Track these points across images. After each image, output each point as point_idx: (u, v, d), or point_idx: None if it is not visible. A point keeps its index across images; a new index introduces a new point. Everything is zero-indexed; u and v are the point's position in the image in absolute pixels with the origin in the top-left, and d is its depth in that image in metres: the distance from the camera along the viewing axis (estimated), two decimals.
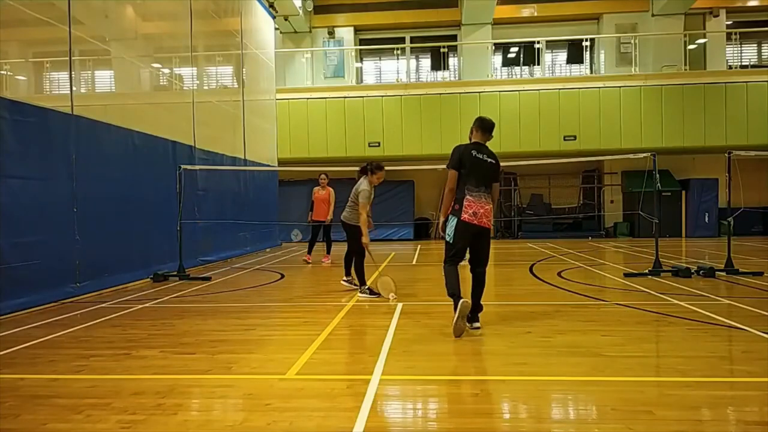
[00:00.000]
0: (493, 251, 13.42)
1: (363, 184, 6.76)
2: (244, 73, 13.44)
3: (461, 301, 4.59)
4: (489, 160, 4.83)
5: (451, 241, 4.80)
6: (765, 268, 8.50)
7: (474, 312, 4.86)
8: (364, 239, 6.64)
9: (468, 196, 4.70)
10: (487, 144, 4.96)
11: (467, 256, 5.02)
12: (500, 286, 8.16)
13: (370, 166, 6.91)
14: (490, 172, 4.83)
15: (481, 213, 4.70)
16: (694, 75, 16.43)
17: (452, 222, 4.76)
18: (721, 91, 15.86)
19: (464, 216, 4.68)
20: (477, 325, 4.85)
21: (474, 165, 4.74)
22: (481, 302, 4.95)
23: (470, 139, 4.99)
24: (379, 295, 6.66)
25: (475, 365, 3.94)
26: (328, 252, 10.95)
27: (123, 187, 8.05)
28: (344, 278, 7.44)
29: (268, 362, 4.07)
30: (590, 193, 18.47)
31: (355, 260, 6.92)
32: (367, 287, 6.81)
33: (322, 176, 10.82)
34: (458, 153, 4.82)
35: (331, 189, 10.79)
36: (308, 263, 10.82)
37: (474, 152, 4.79)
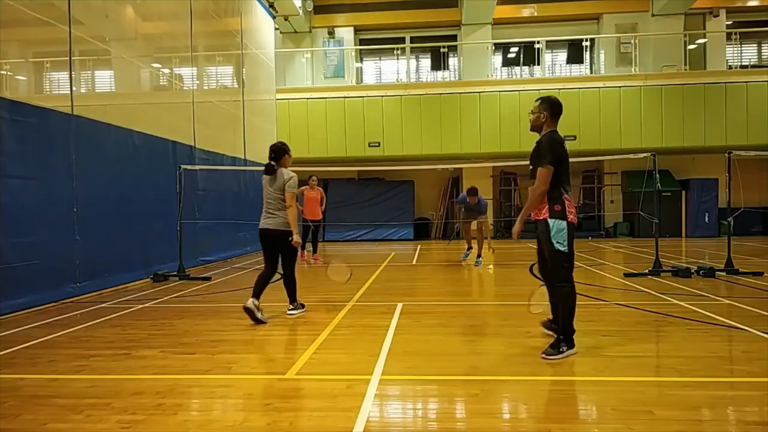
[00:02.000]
0: (494, 251, 13.42)
1: (286, 172, 5.56)
2: (244, 73, 13.44)
3: (574, 350, 4.05)
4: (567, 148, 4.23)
5: (568, 251, 4.01)
6: (765, 268, 8.50)
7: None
8: (296, 238, 5.49)
9: (566, 195, 4.08)
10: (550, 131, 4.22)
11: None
12: (500, 286, 8.16)
13: (285, 146, 5.70)
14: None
15: (574, 211, 4.13)
16: (694, 75, 16.42)
17: (561, 226, 4.01)
18: (721, 91, 15.85)
19: (571, 217, 4.04)
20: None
21: (567, 159, 4.14)
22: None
23: (541, 129, 4.24)
24: (304, 306, 5.90)
25: (475, 365, 3.94)
26: (315, 251, 11.41)
27: (123, 187, 8.05)
28: (289, 308, 5.78)
29: (268, 362, 4.07)
30: (590, 193, 18.46)
31: (290, 272, 5.72)
32: (298, 303, 5.85)
33: (313, 177, 11.19)
34: (560, 146, 4.09)
35: (320, 189, 11.27)
36: (303, 260, 11.09)
37: (565, 144, 4.17)
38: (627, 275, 8.16)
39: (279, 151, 5.62)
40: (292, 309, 5.76)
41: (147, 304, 6.54)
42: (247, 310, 5.27)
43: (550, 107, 4.18)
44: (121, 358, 4.17)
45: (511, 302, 6.52)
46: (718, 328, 4.88)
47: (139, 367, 3.95)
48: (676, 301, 6.10)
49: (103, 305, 6.49)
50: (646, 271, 8.32)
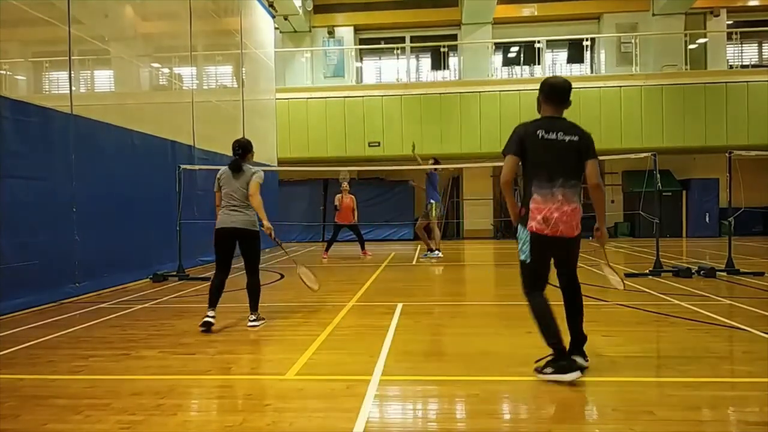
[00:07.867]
0: (494, 251, 13.43)
1: (252, 167, 5.38)
2: (244, 72, 13.43)
3: (568, 363, 3.39)
4: (567, 138, 3.49)
5: (527, 260, 3.60)
6: (766, 268, 8.48)
7: (577, 345, 3.62)
8: (267, 224, 5.13)
9: (536, 196, 3.48)
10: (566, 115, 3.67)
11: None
12: (500, 287, 8.16)
13: (251, 143, 5.54)
14: (570, 155, 3.49)
15: (555, 219, 3.42)
16: (695, 75, 16.40)
17: (522, 234, 3.58)
18: (722, 90, 15.84)
19: (531, 224, 3.47)
20: (584, 363, 3.56)
21: (541, 150, 3.46)
22: (583, 329, 3.66)
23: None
24: (264, 319, 5.31)
25: (475, 365, 3.93)
26: (363, 247, 11.98)
27: (122, 187, 8.04)
28: (251, 318, 5.19)
29: (267, 362, 4.06)
30: None
31: (255, 277, 5.30)
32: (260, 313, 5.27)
33: (345, 185, 11.65)
34: (517, 135, 3.52)
35: (353, 195, 11.73)
36: (324, 259, 11.46)
37: (541, 132, 3.47)
38: (628, 275, 8.15)
39: (245, 147, 5.37)
40: (254, 320, 5.15)
41: (146, 305, 6.53)
42: (205, 324, 4.93)
43: (540, 90, 3.64)
44: (121, 359, 4.16)
45: (511, 302, 6.51)
46: (719, 328, 4.87)
47: (139, 367, 3.94)
48: (676, 302, 6.09)
49: (102, 305, 6.48)
50: (647, 271, 8.32)
